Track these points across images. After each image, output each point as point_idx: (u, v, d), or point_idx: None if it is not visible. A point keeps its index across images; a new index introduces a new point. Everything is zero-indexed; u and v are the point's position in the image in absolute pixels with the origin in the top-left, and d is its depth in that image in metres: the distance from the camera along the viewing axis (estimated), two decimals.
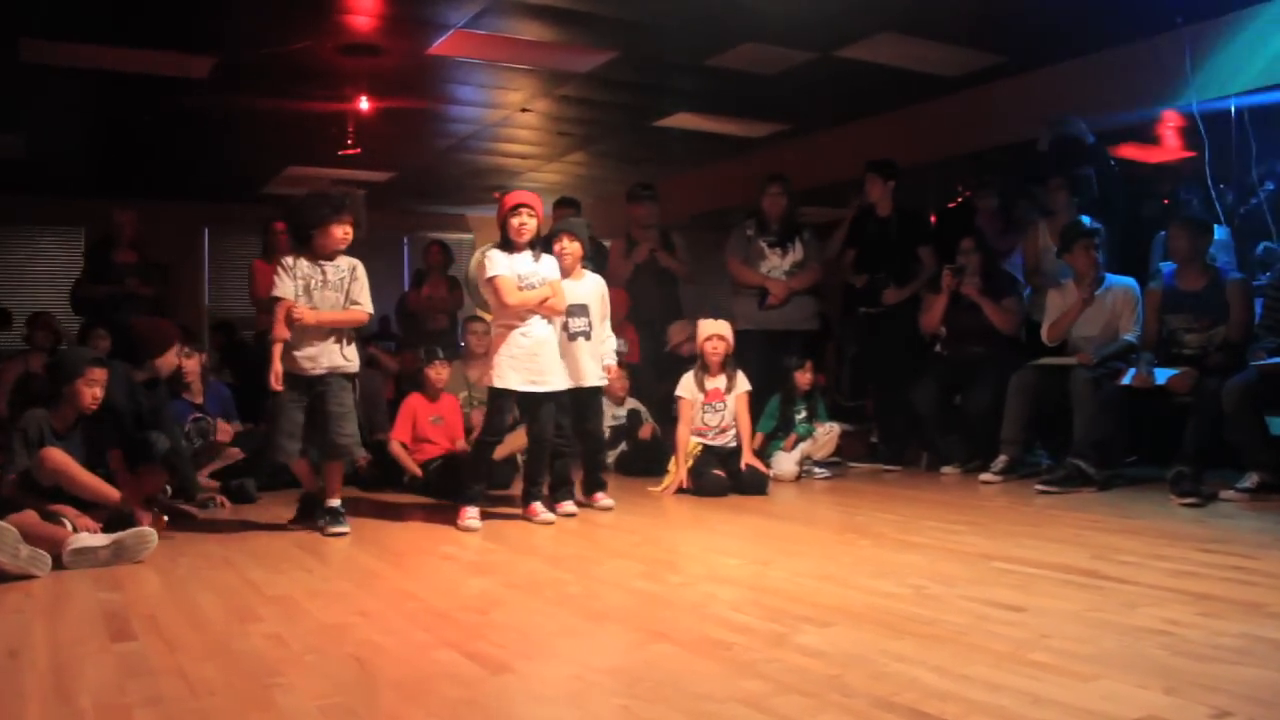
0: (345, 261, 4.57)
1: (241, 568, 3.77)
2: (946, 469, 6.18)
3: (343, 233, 4.48)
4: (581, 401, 5.10)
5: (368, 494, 5.72)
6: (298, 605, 3.15)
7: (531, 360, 4.62)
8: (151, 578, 3.63)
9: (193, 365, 5.91)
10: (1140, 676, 2.25)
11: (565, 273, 5.01)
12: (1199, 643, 2.51)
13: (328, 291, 4.48)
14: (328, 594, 3.33)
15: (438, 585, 3.49)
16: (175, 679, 2.39)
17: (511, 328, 4.63)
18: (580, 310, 5.07)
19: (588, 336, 5.07)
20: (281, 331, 4.37)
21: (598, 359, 5.13)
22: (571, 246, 5.08)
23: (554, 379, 4.70)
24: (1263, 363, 4.88)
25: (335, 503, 4.56)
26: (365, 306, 4.57)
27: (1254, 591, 3.06)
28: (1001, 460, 5.71)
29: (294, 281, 4.42)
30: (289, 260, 4.46)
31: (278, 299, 4.40)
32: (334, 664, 2.51)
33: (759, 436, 6.08)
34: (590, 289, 5.17)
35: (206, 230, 12.06)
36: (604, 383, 5.26)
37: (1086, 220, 5.86)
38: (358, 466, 6.03)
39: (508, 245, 4.68)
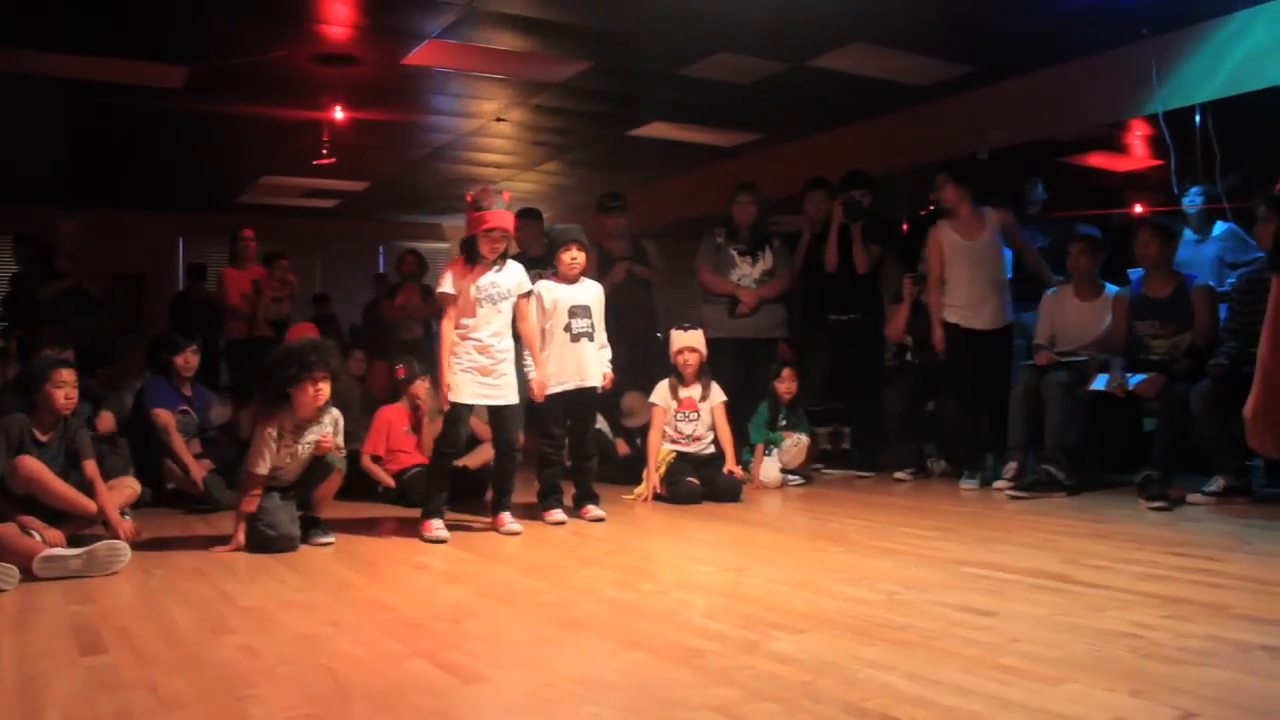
0: (329, 418, 4.53)
1: (215, 579, 3.75)
2: (899, 474, 6.24)
3: (315, 391, 4.39)
4: (581, 401, 5.12)
5: (341, 504, 5.69)
6: (271, 616, 3.14)
7: (485, 373, 4.59)
8: (124, 589, 3.60)
9: (190, 361, 5.94)
10: (1108, 679, 2.28)
11: (569, 281, 5.08)
12: (1166, 645, 2.54)
13: (304, 455, 4.50)
14: (301, 605, 3.32)
15: (411, 595, 3.49)
16: (145, 692, 2.38)
17: (465, 339, 4.60)
18: (583, 311, 5.10)
19: (590, 337, 5.10)
20: (249, 507, 4.36)
21: (600, 360, 5.15)
22: (580, 257, 5.11)
23: (509, 391, 4.67)
24: (1214, 362, 4.95)
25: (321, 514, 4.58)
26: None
27: (1220, 594, 3.10)
28: (1012, 467, 5.70)
29: (272, 457, 4.40)
30: (273, 433, 4.39)
31: (256, 475, 4.38)
32: (306, 675, 2.50)
33: (758, 449, 6.13)
34: (592, 292, 5.20)
35: (181, 240, 12.01)
36: (604, 386, 5.24)
37: (1084, 229, 5.95)
38: None
39: (473, 257, 4.63)
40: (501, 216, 4.60)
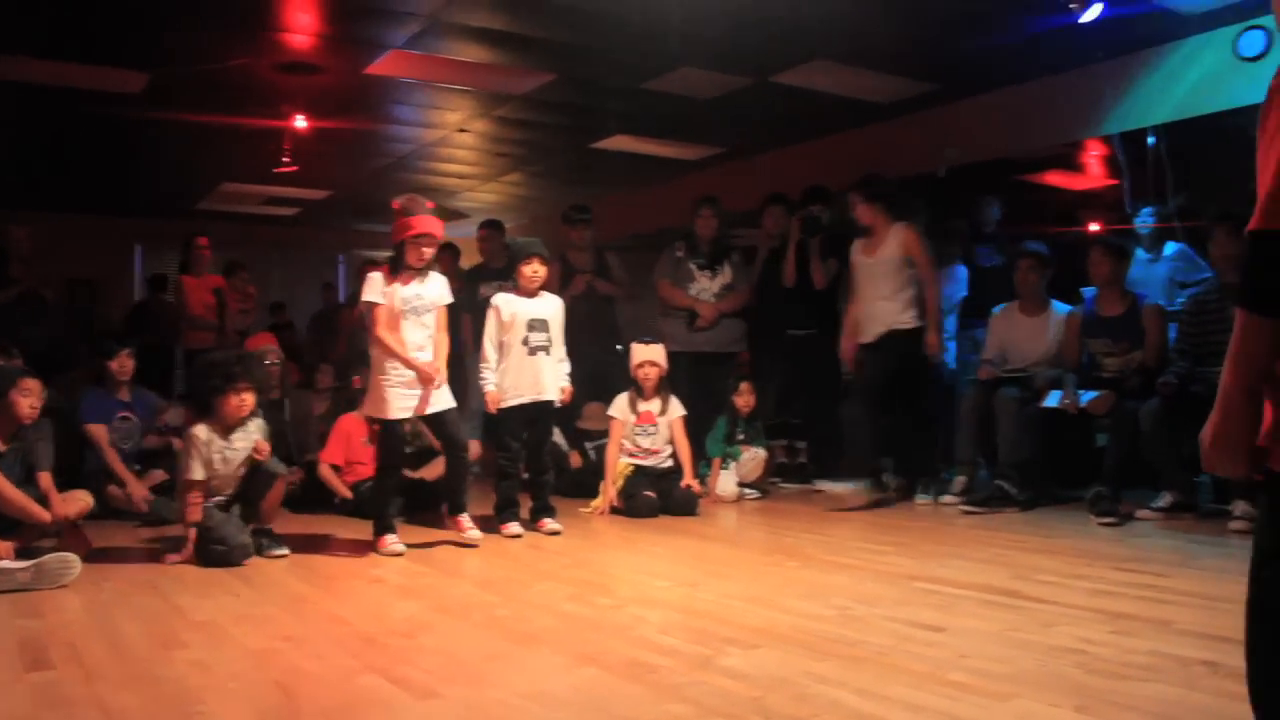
0: (254, 424, 4.54)
1: (167, 592, 3.72)
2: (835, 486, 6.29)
3: (238, 401, 4.42)
4: (538, 415, 5.12)
5: (297, 516, 5.66)
6: (223, 631, 3.12)
7: (412, 385, 4.56)
8: (73, 603, 3.56)
9: (125, 365, 5.86)
10: (1054, 695, 2.31)
11: (529, 295, 5.08)
12: (1111, 661, 2.59)
13: (240, 458, 4.50)
14: (254, 619, 3.30)
15: (366, 609, 3.48)
16: (93, 709, 2.35)
17: (390, 353, 4.56)
18: (541, 325, 5.10)
19: (548, 351, 5.10)
20: (194, 515, 4.34)
21: (557, 375, 5.15)
22: (541, 270, 5.12)
23: (441, 396, 4.64)
24: (1164, 381, 5.04)
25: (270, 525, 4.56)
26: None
27: (1164, 609, 3.15)
28: (960, 481, 5.79)
29: (202, 463, 4.38)
30: (202, 436, 4.39)
31: (191, 482, 4.37)
32: (258, 691, 2.49)
33: (715, 463, 6.16)
34: (551, 306, 5.20)
35: (139, 247, 11.88)
36: (561, 399, 5.23)
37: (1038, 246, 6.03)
38: (288, 485, 5.99)
39: (398, 266, 4.58)
40: (429, 222, 4.57)
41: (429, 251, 4.59)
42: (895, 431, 6.02)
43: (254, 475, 4.52)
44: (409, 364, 4.51)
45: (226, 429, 4.46)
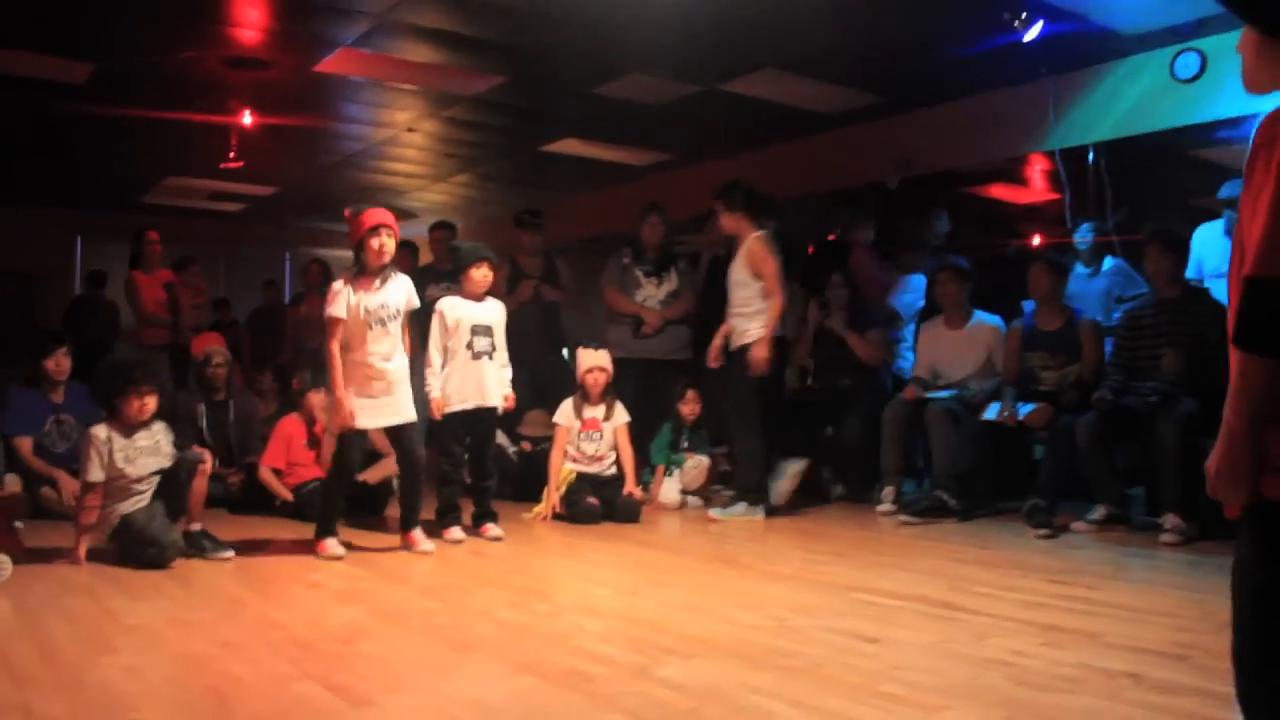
0: (157, 425, 4.49)
1: (101, 595, 3.66)
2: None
3: (140, 404, 4.37)
4: (481, 421, 5.11)
5: (237, 518, 5.60)
6: (157, 635, 3.08)
7: (377, 395, 4.54)
8: (2, 606, 3.49)
9: (62, 364, 5.75)
10: (983, 707, 2.36)
11: (474, 299, 5.07)
12: (1039, 673, 2.64)
13: (144, 458, 4.42)
14: (189, 623, 3.26)
15: (303, 614, 3.45)
16: (20, 716, 2.32)
17: (355, 364, 4.53)
18: (485, 330, 5.08)
19: (491, 356, 5.08)
20: (88, 519, 4.28)
21: (500, 381, 5.13)
22: (490, 275, 5.12)
23: (404, 408, 4.62)
24: (1099, 395, 5.14)
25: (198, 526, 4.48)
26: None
27: (1094, 621, 3.22)
28: (889, 491, 5.84)
29: (103, 465, 4.31)
30: (102, 435, 4.33)
31: (91, 484, 4.30)
32: (191, 697, 2.46)
33: (659, 470, 6.18)
34: (495, 311, 5.18)
35: (80, 239, 11.67)
36: (505, 405, 5.22)
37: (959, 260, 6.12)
38: (228, 485, 5.93)
39: (362, 269, 4.55)
40: (381, 213, 4.56)
41: (389, 243, 4.54)
42: (838, 442, 6.07)
43: (173, 470, 4.45)
44: (338, 392, 4.49)
45: (128, 429, 4.39)
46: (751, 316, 5.60)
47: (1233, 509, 1.51)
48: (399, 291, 4.64)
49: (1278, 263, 1.38)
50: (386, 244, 4.53)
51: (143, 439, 4.42)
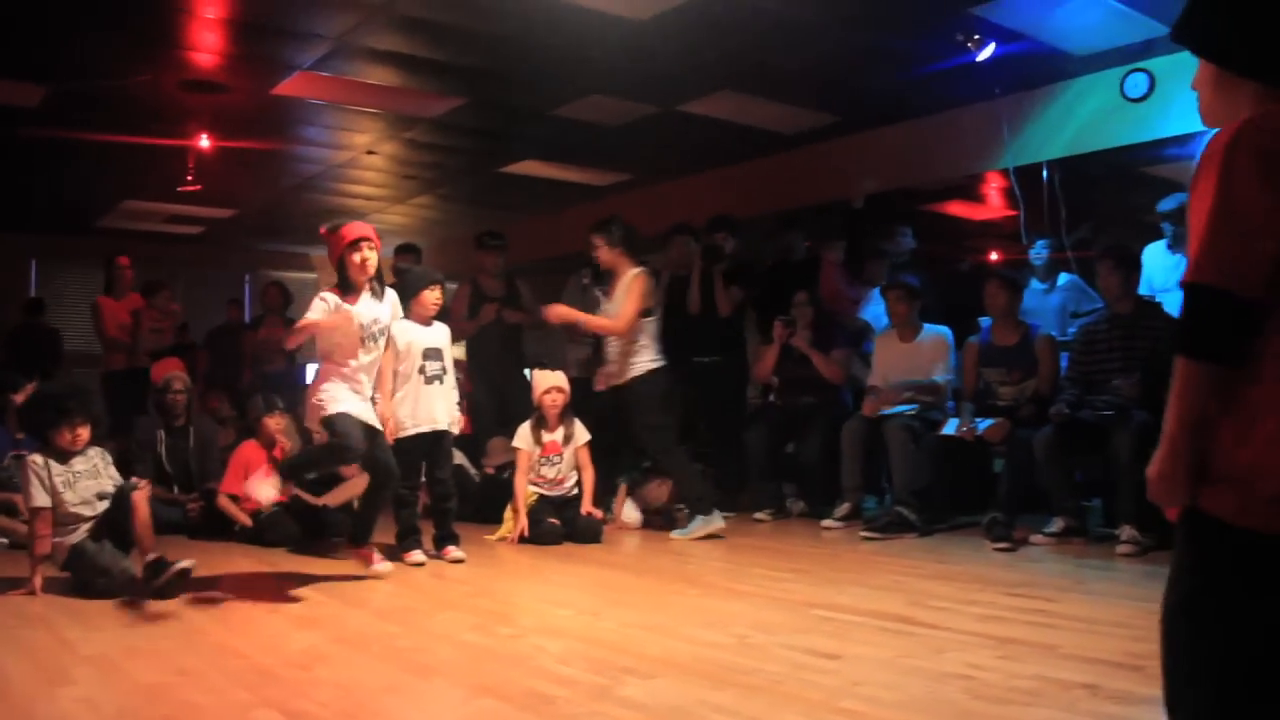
0: (94, 450, 4.44)
1: (56, 625, 3.61)
2: (759, 514, 6.33)
3: (71, 436, 4.31)
4: (435, 444, 5.08)
5: (195, 544, 5.54)
6: (114, 665, 3.04)
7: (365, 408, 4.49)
8: None
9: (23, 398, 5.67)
10: None
11: (424, 322, 5.04)
12: (996, 686, 2.66)
13: (84, 481, 4.36)
14: (147, 652, 3.22)
15: (262, 641, 3.41)
16: None
17: (343, 378, 4.40)
18: (435, 354, 5.06)
19: (442, 380, 5.07)
20: (42, 548, 4.21)
21: (449, 404, 5.12)
22: (440, 299, 5.12)
23: (376, 420, 4.56)
24: (1055, 409, 5.20)
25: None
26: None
27: (1051, 634, 3.25)
28: (845, 507, 5.89)
29: (46, 490, 4.25)
30: (39, 461, 4.26)
31: (36, 510, 4.23)
32: None
33: (621, 488, 6.17)
34: (443, 334, 5.17)
35: (35, 263, 11.52)
36: (456, 428, 5.22)
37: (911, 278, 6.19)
38: (187, 512, 5.87)
39: (346, 286, 4.36)
40: (361, 226, 4.44)
41: (372, 256, 4.36)
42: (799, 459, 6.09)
43: (114, 502, 4.37)
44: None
45: (63, 455, 4.34)
46: (638, 350, 5.62)
47: (1173, 512, 1.53)
48: (388, 307, 4.53)
49: (1210, 270, 1.42)
50: (369, 257, 4.35)
51: (80, 464, 4.36)
